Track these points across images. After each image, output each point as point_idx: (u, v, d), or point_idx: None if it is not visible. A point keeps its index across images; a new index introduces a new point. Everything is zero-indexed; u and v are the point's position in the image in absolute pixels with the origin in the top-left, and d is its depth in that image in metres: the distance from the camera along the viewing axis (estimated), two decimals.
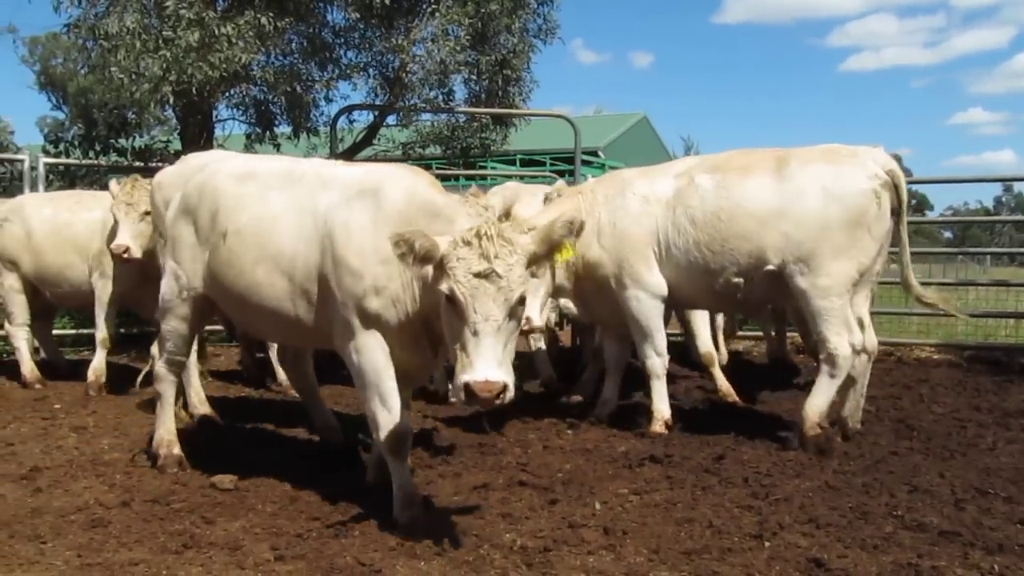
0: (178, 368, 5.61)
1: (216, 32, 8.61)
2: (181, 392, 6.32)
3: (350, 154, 11.13)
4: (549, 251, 3.97)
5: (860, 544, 4.13)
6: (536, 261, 3.96)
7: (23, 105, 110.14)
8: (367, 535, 4.22)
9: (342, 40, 10.60)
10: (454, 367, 3.78)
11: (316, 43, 10.23)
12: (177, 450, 5.47)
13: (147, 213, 7.19)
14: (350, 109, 11.26)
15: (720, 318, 9.08)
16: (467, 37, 10.01)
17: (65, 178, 11.20)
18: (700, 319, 7.45)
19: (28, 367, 8.24)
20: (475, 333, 3.69)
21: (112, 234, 7.43)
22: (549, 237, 3.93)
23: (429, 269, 3.92)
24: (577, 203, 6.35)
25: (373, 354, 4.35)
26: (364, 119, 11.95)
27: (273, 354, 8.09)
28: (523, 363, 8.81)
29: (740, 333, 10.62)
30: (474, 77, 11.09)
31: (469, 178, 16.69)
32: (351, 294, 4.34)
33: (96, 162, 10.96)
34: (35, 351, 8.82)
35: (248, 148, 11.40)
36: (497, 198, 5.87)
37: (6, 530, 4.30)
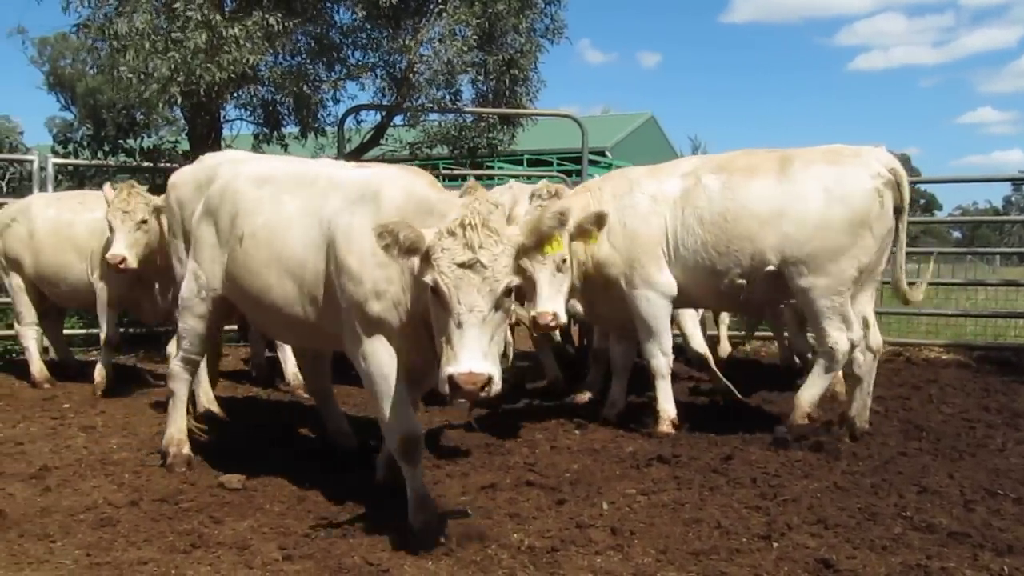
0: (194, 367, 5.64)
1: (224, 34, 8.63)
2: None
3: (357, 154, 11.16)
4: (538, 243, 3.90)
5: (869, 545, 4.12)
6: (525, 253, 3.89)
7: (32, 106, 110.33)
8: (375, 535, 4.22)
9: (349, 40, 10.64)
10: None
11: (324, 43, 10.28)
12: (187, 449, 5.49)
13: (143, 222, 7.22)
14: (357, 109, 11.28)
15: (726, 316, 9.07)
16: (474, 37, 10.04)
17: (74, 178, 11.26)
18: (690, 319, 7.43)
19: (37, 367, 8.28)
20: (459, 325, 3.63)
21: (108, 241, 7.36)
22: (538, 228, 3.86)
23: (416, 261, 3.88)
24: (586, 200, 6.33)
25: (380, 359, 4.31)
26: (371, 119, 12.01)
27: (282, 354, 8.12)
28: (531, 363, 8.88)
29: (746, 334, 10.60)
30: (481, 77, 11.12)
31: (477, 178, 16.69)
32: (353, 299, 4.33)
33: (105, 162, 10.99)
34: (44, 351, 8.86)
35: (256, 148, 11.43)
36: (507, 196, 5.85)
37: (16, 529, 4.32)
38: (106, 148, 11.39)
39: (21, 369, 8.55)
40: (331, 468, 5.35)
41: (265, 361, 8.69)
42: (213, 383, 6.88)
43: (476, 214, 3.75)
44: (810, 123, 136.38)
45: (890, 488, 4.97)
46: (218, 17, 8.74)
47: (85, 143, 11.73)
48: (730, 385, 7.35)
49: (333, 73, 10.61)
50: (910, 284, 6.58)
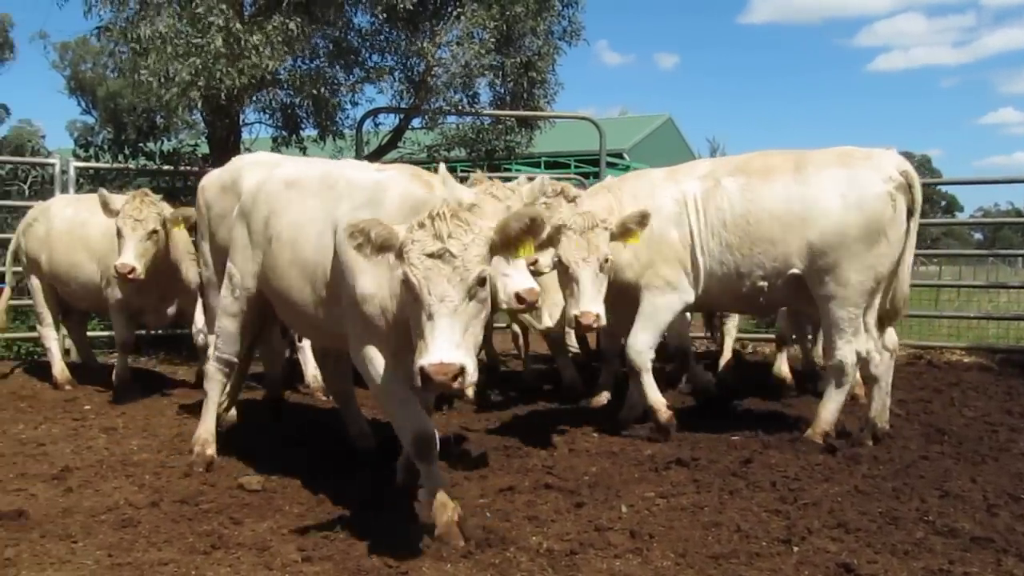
0: (228, 368, 5.67)
1: (243, 42, 8.67)
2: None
3: (375, 157, 11.19)
4: (504, 245, 3.86)
5: (890, 550, 4.09)
6: (495, 251, 3.86)
7: (54, 110, 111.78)
8: (394, 537, 4.22)
9: (367, 44, 10.66)
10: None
11: (342, 47, 10.31)
12: (211, 451, 5.53)
13: (154, 232, 7.18)
14: (376, 112, 11.33)
15: (732, 328, 9.00)
16: (492, 40, 10.04)
17: (95, 181, 11.32)
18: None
19: (59, 368, 8.35)
20: (430, 316, 3.60)
21: (119, 249, 7.22)
22: (504, 230, 3.83)
23: (391, 258, 3.88)
24: (608, 201, 6.29)
25: (379, 362, 4.33)
26: (389, 122, 12.03)
27: (302, 356, 8.16)
28: (548, 366, 8.87)
29: (764, 336, 10.56)
30: (499, 80, 11.13)
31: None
32: (351, 302, 4.37)
33: (125, 166, 11.07)
34: (66, 352, 8.94)
35: (275, 151, 11.49)
36: (526, 188, 5.77)
37: (38, 529, 4.35)
38: (127, 152, 11.49)
39: (44, 371, 8.63)
40: (351, 470, 5.36)
41: (285, 363, 8.72)
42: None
43: (446, 205, 3.76)
44: (829, 124, 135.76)
45: (912, 492, 4.93)
46: (238, 25, 8.77)
47: (106, 147, 11.86)
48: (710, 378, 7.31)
49: (351, 76, 10.65)
50: (914, 286, 6.51)
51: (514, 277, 4.94)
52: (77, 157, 11.28)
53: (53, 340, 8.47)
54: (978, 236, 48.60)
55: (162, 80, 8.93)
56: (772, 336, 10.46)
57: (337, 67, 10.49)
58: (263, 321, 5.77)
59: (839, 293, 5.83)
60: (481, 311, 3.77)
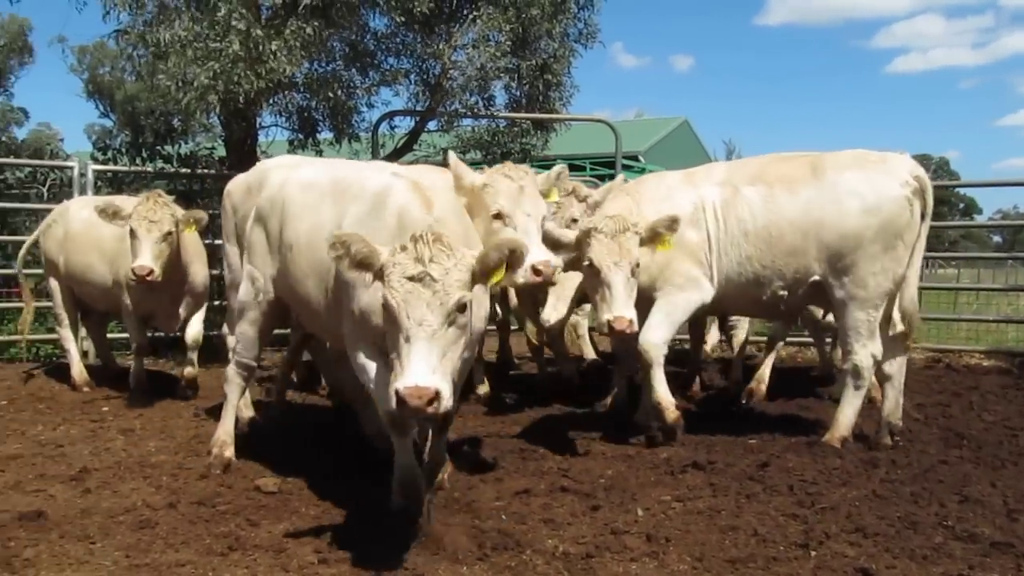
0: (248, 371, 5.71)
1: (263, 47, 8.70)
2: None
3: (391, 160, 11.20)
4: (484, 273, 3.82)
5: (909, 555, 4.06)
6: (475, 279, 3.80)
7: (72, 113, 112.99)
8: (410, 539, 4.22)
9: (383, 46, 10.69)
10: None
11: (358, 49, 10.34)
12: (229, 453, 5.55)
13: (169, 233, 7.14)
14: (391, 115, 11.35)
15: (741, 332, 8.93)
16: (508, 42, 10.05)
17: (113, 184, 11.42)
18: None
19: (77, 369, 8.40)
20: (408, 339, 3.56)
21: (134, 250, 7.14)
22: (484, 260, 3.79)
23: (368, 277, 3.87)
24: (627, 204, 6.21)
25: (372, 368, 4.38)
26: (405, 125, 12.06)
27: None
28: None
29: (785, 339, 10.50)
30: (514, 82, 11.13)
31: None
32: (347, 308, 4.41)
33: (143, 168, 11.14)
34: (84, 354, 9.00)
35: (291, 154, 11.54)
36: (543, 175, 5.65)
37: (57, 530, 4.37)
38: (144, 154, 11.58)
39: (63, 372, 8.69)
40: (367, 472, 5.36)
41: (305, 365, 8.74)
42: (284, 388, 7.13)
43: (430, 229, 3.73)
44: (846, 127, 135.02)
45: (931, 497, 4.89)
46: (259, 32, 8.80)
47: (124, 150, 11.94)
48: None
49: (367, 79, 10.68)
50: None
51: (531, 250, 4.84)
52: (95, 160, 11.35)
53: (71, 342, 8.53)
54: (997, 239, 48.14)
55: (180, 84, 8.98)
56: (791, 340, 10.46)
57: (353, 70, 10.53)
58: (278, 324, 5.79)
59: (858, 295, 5.84)
60: (461, 337, 3.72)
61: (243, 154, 11.14)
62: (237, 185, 5.97)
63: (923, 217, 5.95)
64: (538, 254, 4.94)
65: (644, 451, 5.95)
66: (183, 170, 11.12)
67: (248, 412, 6.73)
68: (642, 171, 21.36)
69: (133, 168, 11.16)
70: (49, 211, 9.06)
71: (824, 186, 5.91)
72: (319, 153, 11.22)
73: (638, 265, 5.59)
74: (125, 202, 7.39)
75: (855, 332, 5.89)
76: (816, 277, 5.96)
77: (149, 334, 8.18)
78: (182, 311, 7.82)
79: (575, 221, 6.53)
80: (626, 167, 16.92)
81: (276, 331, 6.83)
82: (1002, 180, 16.98)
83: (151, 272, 6.97)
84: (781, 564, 3.98)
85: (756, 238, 5.99)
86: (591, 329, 9.33)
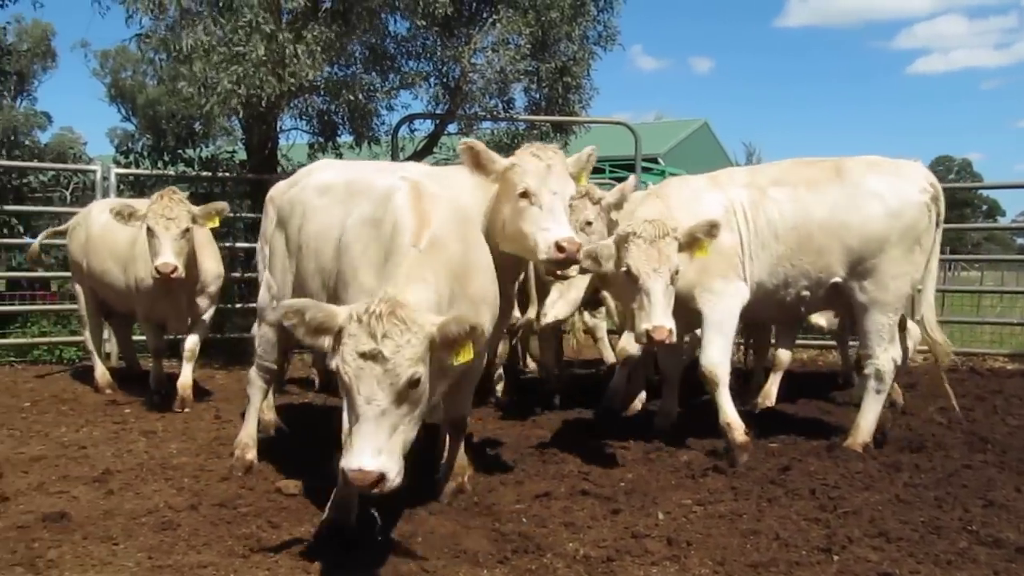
0: (269, 375, 5.73)
1: (287, 51, 8.74)
2: None
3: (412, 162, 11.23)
4: (444, 346, 3.58)
5: (933, 560, 4.03)
6: (434, 349, 3.57)
7: (94, 117, 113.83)
8: (430, 542, 4.23)
9: (403, 49, 10.71)
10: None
11: (378, 53, 10.36)
12: (251, 456, 5.57)
13: (187, 230, 7.08)
14: (411, 118, 11.37)
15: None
16: (527, 45, 10.05)
17: (135, 187, 11.51)
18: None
19: (100, 371, 8.47)
20: (356, 416, 3.45)
21: (154, 249, 7.03)
22: (444, 331, 3.54)
23: (327, 340, 3.61)
24: (661, 208, 5.99)
25: None
26: (425, 128, 12.07)
27: None
28: (595, 370, 8.84)
29: (805, 342, 10.45)
30: (534, 85, 11.12)
31: None
32: None
33: (165, 172, 11.22)
34: (106, 357, 9.06)
35: (311, 158, 11.59)
36: (572, 157, 5.54)
37: (80, 531, 4.41)
38: (166, 158, 11.69)
39: (85, 374, 8.76)
40: None
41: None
42: None
43: (385, 300, 3.53)
44: (868, 128, 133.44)
45: (954, 501, 4.86)
46: (286, 35, 8.84)
47: (146, 153, 12.07)
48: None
49: (387, 82, 10.70)
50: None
51: (552, 229, 4.79)
52: (117, 163, 11.47)
53: (95, 344, 8.59)
54: (1021, 241, 47.71)
55: (202, 89, 9.03)
56: (807, 342, 10.40)
57: (373, 73, 10.55)
58: None
59: (880, 298, 5.88)
60: (415, 409, 3.58)
61: (263, 157, 11.22)
62: (279, 191, 5.96)
63: (937, 224, 6.05)
64: (562, 231, 4.81)
65: (664, 454, 5.92)
66: (204, 173, 11.20)
67: (270, 415, 6.74)
68: (662, 174, 21.35)
69: (155, 171, 11.24)
70: (72, 214, 9.14)
71: (848, 189, 5.95)
72: (339, 156, 11.25)
73: (677, 272, 5.37)
74: (141, 204, 7.37)
75: (876, 336, 5.92)
76: (838, 279, 5.96)
77: (167, 337, 8.18)
78: (195, 309, 7.71)
79: (589, 224, 6.46)
80: (646, 170, 16.90)
81: None
82: None
83: (175, 269, 6.92)
84: (803, 569, 3.95)
85: (786, 239, 5.96)
86: (610, 332, 9.33)
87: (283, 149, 11.77)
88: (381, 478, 3.36)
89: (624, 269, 5.37)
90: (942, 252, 6.46)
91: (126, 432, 6.70)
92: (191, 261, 7.29)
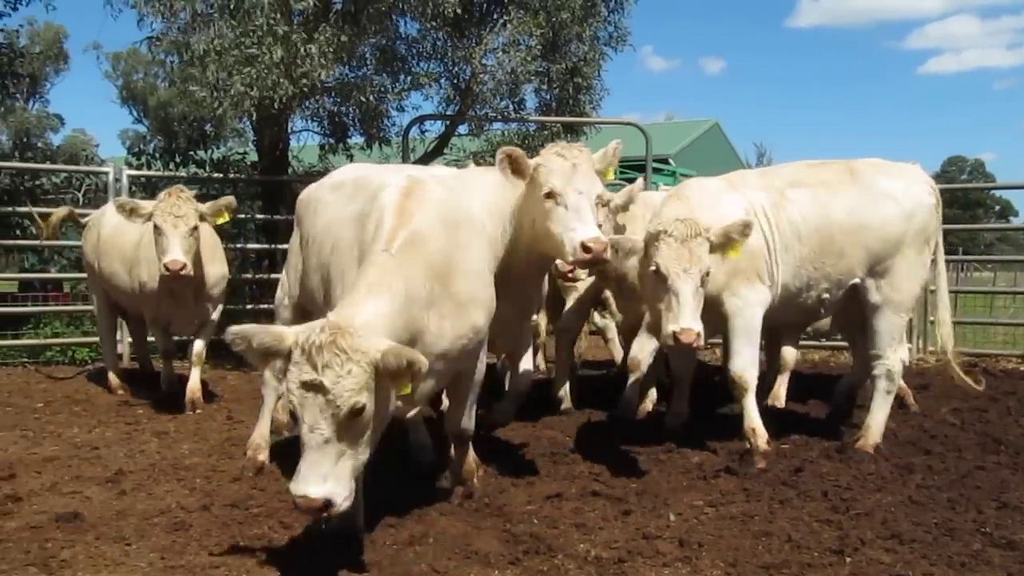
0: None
1: (300, 52, 8.76)
2: None
3: (422, 163, 11.24)
4: (389, 375, 3.52)
5: (947, 561, 4.01)
6: (379, 377, 3.52)
7: (107, 119, 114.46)
8: (441, 543, 4.23)
9: (414, 51, 10.72)
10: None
11: (388, 54, 10.38)
12: (263, 456, 5.59)
13: (195, 228, 7.05)
14: (422, 119, 11.39)
15: None
16: (538, 46, 10.04)
17: (147, 189, 11.55)
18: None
19: (112, 372, 8.49)
20: (302, 444, 3.48)
21: (162, 247, 6.99)
22: (385, 360, 3.46)
23: (279, 363, 3.60)
24: (684, 209, 5.77)
25: None
26: (435, 129, 12.09)
27: None
28: (606, 371, 8.82)
29: (816, 344, 10.42)
30: (545, 86, 11.12)
31: None
32: None
33: (176, 173, 11.26)
34: (119, 357, 9.10)
35: (322, 159, 11.64)
36: (599, 153, 5.46)
37: (93, 531, 4.43)
38: (177, 160, 11.74)
39: (98, 375, 8.80)
40: (400, 477, 5.36)
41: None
42: None
43: (327, 329, 3.47)
44: (879, 129, 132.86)
45: (968, 503, 4.83)
46: (302, 35, 8.85)
47: (157, 155, 12.14)
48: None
49: (398, 83, 10.71)
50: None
51: (579, 230, 4.75)
52: (129, 165, 11.52)
53: (108, 345, 8.62)
54: None
55: (214, 92, 9.06)
56: (817, 344, 10.36)
57: (384, 74, 10.56)
58: None
59: (893, 298, 5.94)
60: (362, 435, 3.57)
61: (274, 159, 11.26)
62: (307, 189, 5.97)
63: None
64: (586, 232, 4.74)
65: (676, 455, 5.90)
66: (216, 175, 11.24)
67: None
68: (672, 175, 21.31)
69: (166, 173, 11.28)
70: (84, 216, 9.18)
71: (864, 191, 5.98)
72: (350, 158, 11.29)
73: (707, 274, 5.19)
74: (149, 205, 7.31)
75: (888, 336, 5.96)
76: (857, 280, 6.00)
77: (176, 338, 8.20)
78: (201, 311, 7.66)
79: (599, 226, 6.42)
80: (656, 170, 16.85)
81: None
82: None
83: (184, 266, 6.88)
84: (816, 570, 3.94)
85: (809, 241, 5.92)
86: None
87: (294, 150, 11.81)
88: (327, 504, 3.41)
89: (653, 268, 5.20)
90: (954, 253, 6.50)
91: (138, 433, 6.73)
92: (196, 262, 7.23)
